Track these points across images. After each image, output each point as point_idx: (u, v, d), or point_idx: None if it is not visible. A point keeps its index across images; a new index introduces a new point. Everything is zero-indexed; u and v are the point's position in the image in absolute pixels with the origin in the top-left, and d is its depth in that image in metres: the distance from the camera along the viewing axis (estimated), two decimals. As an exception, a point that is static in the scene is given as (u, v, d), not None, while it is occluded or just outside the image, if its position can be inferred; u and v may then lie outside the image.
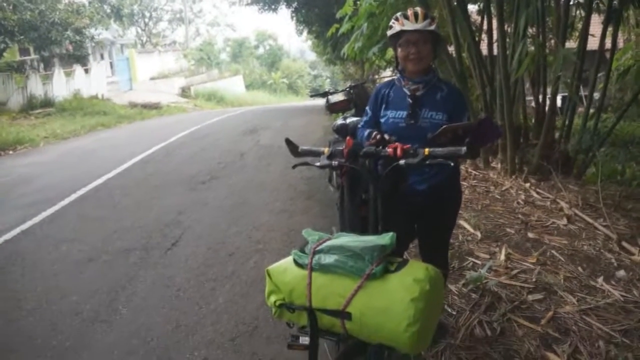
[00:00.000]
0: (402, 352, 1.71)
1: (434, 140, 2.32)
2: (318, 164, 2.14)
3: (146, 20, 45.12)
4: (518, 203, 5.42)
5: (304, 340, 1.93)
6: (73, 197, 6.60)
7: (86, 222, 5.54)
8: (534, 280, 3.66)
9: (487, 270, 3.78)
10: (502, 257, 4.05)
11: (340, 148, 2.12)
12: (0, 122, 14.66)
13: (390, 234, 1.77)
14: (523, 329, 3.06)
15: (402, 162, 1.97)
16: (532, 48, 5.52)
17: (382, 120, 2.59)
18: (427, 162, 1.95)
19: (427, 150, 1.96)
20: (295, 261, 1.83)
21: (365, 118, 2.73)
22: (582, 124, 6.37)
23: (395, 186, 2.08)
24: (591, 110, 6.42)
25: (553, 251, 4.16)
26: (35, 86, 18.44)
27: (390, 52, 10.57)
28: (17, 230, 5.34)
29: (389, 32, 2.51)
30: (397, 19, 2.45)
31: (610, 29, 6.20)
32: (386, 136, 2.32)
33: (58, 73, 20.33)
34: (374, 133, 2.34)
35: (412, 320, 1.58)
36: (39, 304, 3.70)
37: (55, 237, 5.12)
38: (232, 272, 4.13)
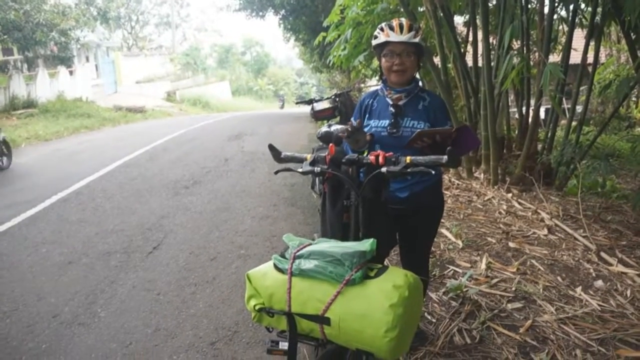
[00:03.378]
0: (380, 357, 1.72)
1: (409, 145, 2.35)
2: (300, 170, 2.14)
3: (133, 23, 44.89)
4: (500, 213, 5.47)
5: (284, 345, 1.93)
6: (54, 199, 6.53)
7: (67, 225, 5.48)
8: (513, 289, 3.69)
9: (468, 279, 3.80)
10: (483, 266, 4.08)
11: (323, 155, 2.13)
12: (-19, 122, 14.50)
13: (371, 240, 1.79)
14: (502, 337, 3.08)
15: (384, 169, 1.98)
16: (517, 60, 5.59)
17: (366, 129, 2.61)
18: (409, 170, 1.96)
19: (408, 158, 1.97)
20: (275, 266, 1.84)
21: None
22: (564, 136, 6.45)
23: (377, 193, 2.09)
24: (573, 123, 6.51)
25: (533, 261, 4.20)
26: (18, 86, 18.20)
27: (376, 61, 10.65)
28: (-4, 231, 5.28)
29: (374, 42, 2.53)
30: (382, 29, 2.47)
31: (592, 43, 6.31)
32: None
33: (42, 74, 20.11)
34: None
35: (390, 326, 1.59)
36: (15, 306, 3.64)
37: (35, 239, 5.05)
38: (213, 277, 4.11)
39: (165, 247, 4.78)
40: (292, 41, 24.58)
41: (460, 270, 4.04)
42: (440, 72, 7.12)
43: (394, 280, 1.68)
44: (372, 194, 2.08)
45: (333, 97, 7.85)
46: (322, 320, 1.69)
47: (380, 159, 2.00)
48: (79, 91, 22.65)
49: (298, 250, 1.82)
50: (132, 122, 18.85)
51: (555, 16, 6.23)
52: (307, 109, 8.70)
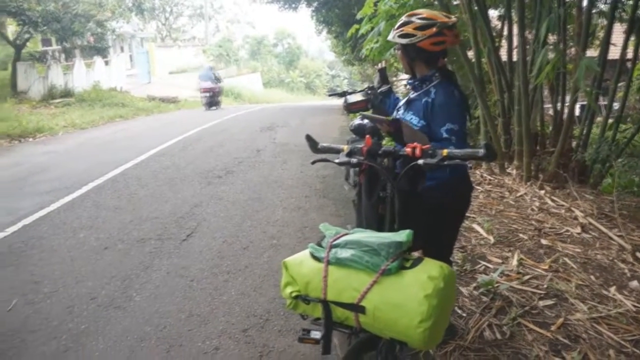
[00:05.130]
0: (414, 347, 1.74)
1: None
2: (337, 160, 2.16)
3: (167, 14, 45.48)
4: (532, 210, 5.41)
5: (315, 334, 1.96)
6: (90, 186, 6.70)
7: (103, 211, 5.62)
8: (545, 286, 3.66)
9: (499, 275, 3.79)
10: (515, 262, 4.05)
11: (360, 146, 2.15)
12: (21, 110, 14.94)
13: (407, 231, 1.80)
14: (533, 334, 3.07)
15: (420, 161, 1.98)
16: (552, 55, 5.49)
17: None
18: (445, 162, 1.97)
19: (445, 150, 1.97)
20: (312, 254, 1.86)
21: None
22: (600, 133, 6.33)
23: (413, 185, 2.11)
24: (610, 120, 6.38)
25: (566, 259, 4.15)
26: (56, 76, 18.66)
27: (409, 55, 10.55)
28: (36, 216, 5.45)
29: None
30: None
31: (632, 38, 6.16)
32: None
33: (79, 64, 20.58)
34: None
35: (425, 316, 1.61)
36: (55, 288, 3.77)
37: (73, 224, 5.20)
38: (246, 266, 4.18)
39: (199, 235, 4.87)
40: (324, 33, 24.57)
41: (491, 266, 4.02)
42: (474, 66, 7.05)
43: (429, 271, 1.69)
44: (408, 186, 2.09)
45: (366, 89, 7.83)
46: (357, 308, 1.71)
47: (417, 151, 2.01)
48: (114, 81, 23.10)
49: (335, 240, 1.85)
50: (165, 112, 19.13)
51: (593, 10, 6.11)
52: (337, 101, 8.71)
